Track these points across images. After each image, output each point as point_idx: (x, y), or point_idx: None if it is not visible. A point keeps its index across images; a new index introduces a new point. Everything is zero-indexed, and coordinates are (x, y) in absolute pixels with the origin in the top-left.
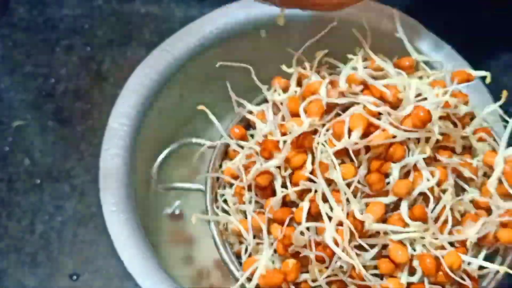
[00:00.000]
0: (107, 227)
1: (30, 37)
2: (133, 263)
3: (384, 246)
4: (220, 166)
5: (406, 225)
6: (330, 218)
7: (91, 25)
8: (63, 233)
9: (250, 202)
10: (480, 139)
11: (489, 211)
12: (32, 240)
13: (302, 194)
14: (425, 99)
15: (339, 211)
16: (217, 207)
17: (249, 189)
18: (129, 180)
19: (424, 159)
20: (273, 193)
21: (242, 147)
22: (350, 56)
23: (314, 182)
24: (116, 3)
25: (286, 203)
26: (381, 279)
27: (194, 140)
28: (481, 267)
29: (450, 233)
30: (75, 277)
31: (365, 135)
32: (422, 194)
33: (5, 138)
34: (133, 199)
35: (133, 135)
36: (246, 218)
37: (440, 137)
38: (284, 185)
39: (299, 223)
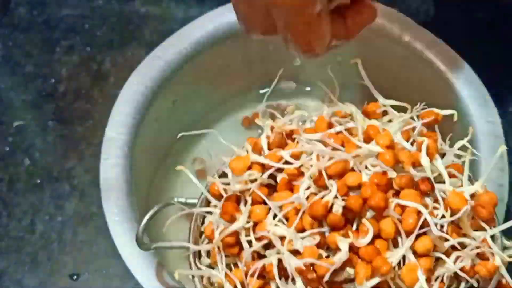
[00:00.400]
0: (112, 237)
1: (31, 37)
2: (140, 270)
3: None
4: (203, 222)
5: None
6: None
7: (91, 25)
8: (63, 233)
9: (221, 261)
10: (451, 175)
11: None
12: (32, 240)
13: (270, 245)
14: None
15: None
16: (201, 263)
17: (219, 248)
18: (131, 188)
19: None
20: (242, 247)
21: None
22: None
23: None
24: (116, 3)
25: (260, 253)
26: None
27: (176, 199)
28: None
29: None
30: (75, 277)
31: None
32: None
33: (6, 138)
34: (136, 207)
35: (131, 144)
36: (231, 270)
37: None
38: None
39: (272, 277)
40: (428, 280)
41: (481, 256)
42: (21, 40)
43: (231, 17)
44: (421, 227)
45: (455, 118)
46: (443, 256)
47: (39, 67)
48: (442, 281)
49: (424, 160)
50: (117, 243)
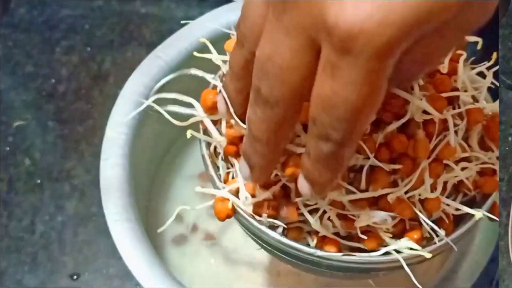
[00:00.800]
0: (112, 237)
1: (31, 37)
2: (140, 270)
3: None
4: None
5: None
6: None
7: (91, 25)
8: (63, 233)
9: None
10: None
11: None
12: (32, 240)
13: None
14: None
15: None
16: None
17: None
18: (131, 188)
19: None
20: None
21: None
22: None
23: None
24: (116, 3)
25: None
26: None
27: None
28: (457, 210)
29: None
30: (75, 277)
31: None
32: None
33: (6, 138)
34: (136, 206)
35: (132, 143)
36: None
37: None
38: None
39: None
40: (433, 185)
41: (481, 175)
42: (21, 40)
43: (231, 17)
44: (438, 134)
45: (479, 46)
46: (453, 164)
47: (39, 67)
48: (444, 187)
49: (461, 68)
50: (117, 243)
